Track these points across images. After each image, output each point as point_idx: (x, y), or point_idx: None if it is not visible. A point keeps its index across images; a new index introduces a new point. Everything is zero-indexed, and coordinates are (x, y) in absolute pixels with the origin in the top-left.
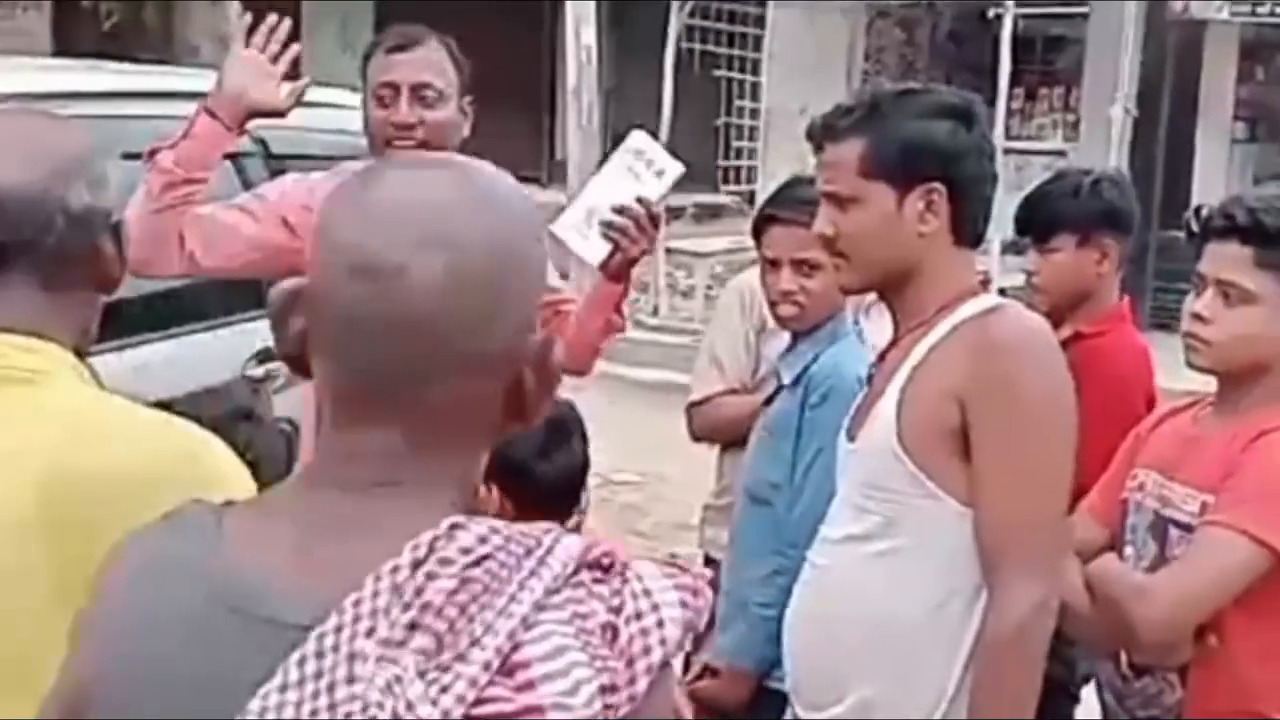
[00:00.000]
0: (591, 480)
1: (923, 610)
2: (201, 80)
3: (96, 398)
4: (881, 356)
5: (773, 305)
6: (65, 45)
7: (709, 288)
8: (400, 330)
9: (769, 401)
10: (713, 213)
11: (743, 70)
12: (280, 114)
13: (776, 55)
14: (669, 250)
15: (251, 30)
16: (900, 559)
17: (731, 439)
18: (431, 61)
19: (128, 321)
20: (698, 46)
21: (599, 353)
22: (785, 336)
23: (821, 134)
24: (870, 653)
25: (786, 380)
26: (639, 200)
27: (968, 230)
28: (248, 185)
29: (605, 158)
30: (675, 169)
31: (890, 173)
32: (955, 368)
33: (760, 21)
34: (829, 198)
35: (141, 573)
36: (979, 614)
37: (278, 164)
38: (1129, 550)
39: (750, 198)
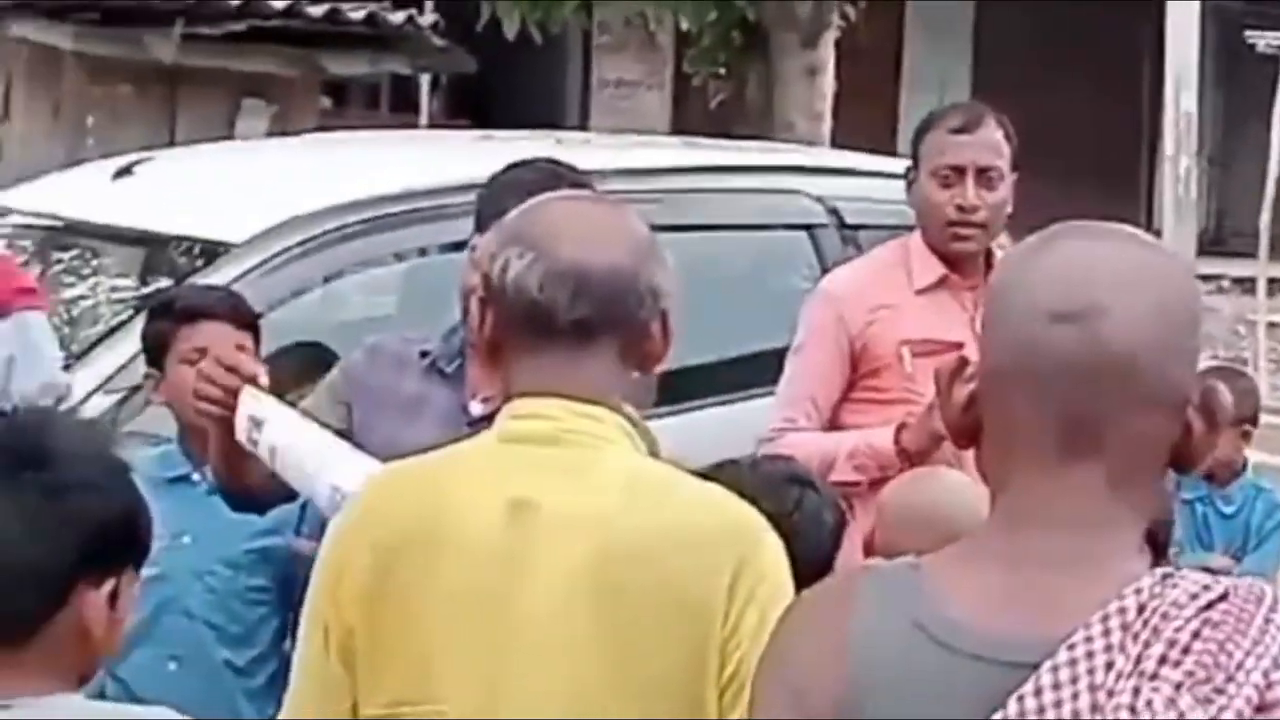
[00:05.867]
0: None
1: None
2: (789, 156)
3: (650, 464)
4: None
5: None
6: (681, 123)
7: None
8: (1107, 367)
9: None
10: None
11: None
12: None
13: None
14: (1271, 325)
15: None
16: None
17: None
18: (993, 143)
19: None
20: None
21: None
22: None
23: None
24: None
25: None
26: None
27: None
28: (823, 259)
29: (1205, 230)
30: None
31: None
32: None
33: None
34: None
35: (848, 616)
36: None
37: (851, 234)
38: None
39: None
